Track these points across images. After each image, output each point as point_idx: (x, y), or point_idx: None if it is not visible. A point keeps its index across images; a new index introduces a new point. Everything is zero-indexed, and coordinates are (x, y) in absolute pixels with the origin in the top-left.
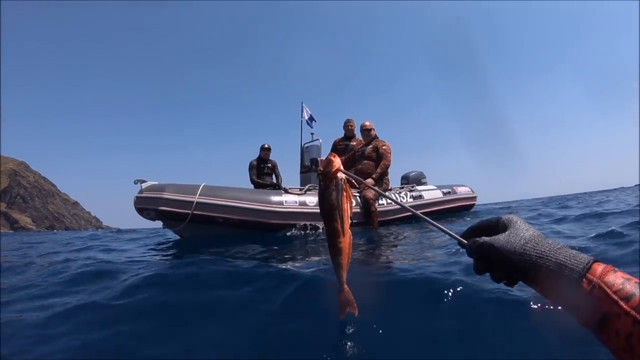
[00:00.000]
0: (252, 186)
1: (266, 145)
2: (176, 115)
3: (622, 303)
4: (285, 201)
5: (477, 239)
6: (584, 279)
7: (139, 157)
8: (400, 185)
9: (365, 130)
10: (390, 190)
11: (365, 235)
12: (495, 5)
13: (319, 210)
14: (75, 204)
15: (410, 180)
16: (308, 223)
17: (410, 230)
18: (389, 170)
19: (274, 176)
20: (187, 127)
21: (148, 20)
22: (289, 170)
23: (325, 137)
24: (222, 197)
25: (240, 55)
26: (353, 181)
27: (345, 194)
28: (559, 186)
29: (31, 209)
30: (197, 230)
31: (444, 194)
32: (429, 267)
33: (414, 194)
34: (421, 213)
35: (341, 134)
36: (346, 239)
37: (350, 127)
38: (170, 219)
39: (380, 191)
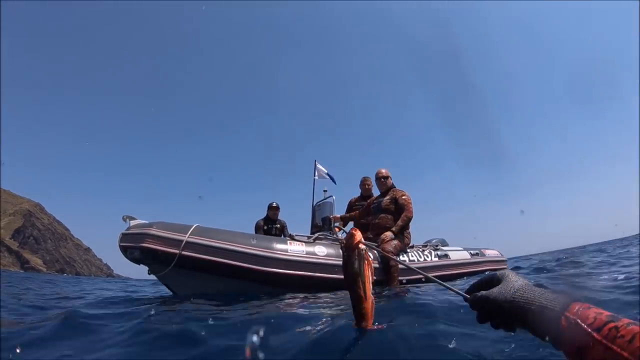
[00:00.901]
0: None
1: (274, 204)
2: (189, 175)
3: (594, 334)
4: (290, 249)
5: (477, 293)
6: (563, 317)
7: (155, 208)
8: (423, 243)
9: (381, 179)
10: (412, 247)
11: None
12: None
13: (329, 262)
14: (88, 249)
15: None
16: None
17: (429, 291)
18: (410, 223)
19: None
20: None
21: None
22: (299, 231)
23: (341, 197)
24: (216, 239)
25: (252, 109)
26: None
27: (366, 262)
28: (555, 240)
29: (43, 251)
30: (186, 280)
31: (472, 255)
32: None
33: (439, 252)
34: (447, 274)
35: (357, 192)
36: (369, 303)
37: (367, 187)
38: (155, 261)
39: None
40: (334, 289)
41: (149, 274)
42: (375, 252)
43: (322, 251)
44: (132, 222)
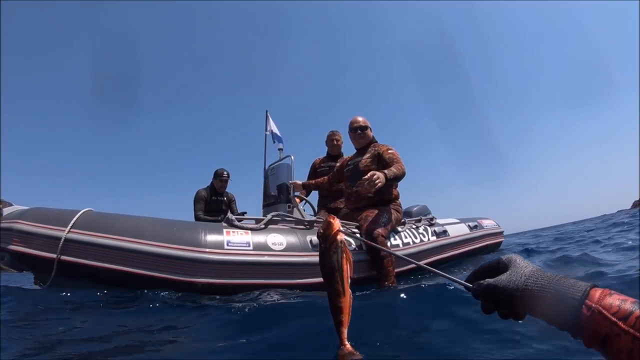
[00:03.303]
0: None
1: (225, 174)
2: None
3: (620, 323)
4: (230, 242)
5: (482, 281)
6: (584, 306)
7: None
8: (415, 219)
9: (357, 130)
10: (404, 223)
11: (372, 303)
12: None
13: (290, 259)
14: None
15: (414, 216)
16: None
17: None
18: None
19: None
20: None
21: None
22: (250, 206)
23: (304, 159)
24: (112, 233)
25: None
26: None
27: (344, 255)
28: (539, 217)
29: None
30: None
31: (471, 228)
32: None
33: (436, 229)
34: (449, 255)
35: (323, 152)
36: (346, 299)
37: (335, 142)
38: (32, 268)
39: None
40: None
41: (34, 283)
42: (357, 234)
43: (278, 242)
44: (7, 210)
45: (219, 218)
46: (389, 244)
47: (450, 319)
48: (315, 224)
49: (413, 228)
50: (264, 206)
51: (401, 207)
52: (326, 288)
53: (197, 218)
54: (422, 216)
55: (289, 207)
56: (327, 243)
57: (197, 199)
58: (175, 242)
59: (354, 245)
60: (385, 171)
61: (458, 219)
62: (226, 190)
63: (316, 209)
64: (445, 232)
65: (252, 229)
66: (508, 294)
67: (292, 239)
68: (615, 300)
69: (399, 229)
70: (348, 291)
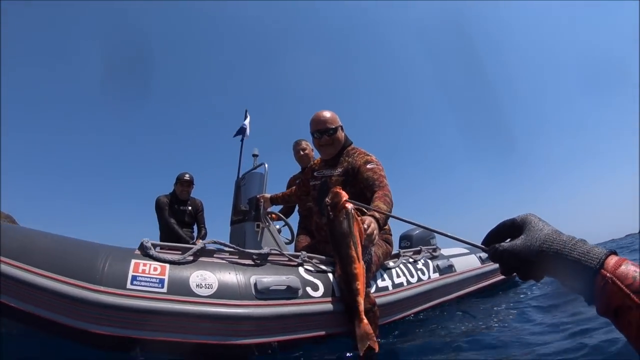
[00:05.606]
0: (160, 236)
1: (186, 177)
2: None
3: (633, 296)
4: (136, 278)
5: (497, 245)
6: (598, 275)
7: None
8: (414, 249)
9: (324, 134)
10: (398, 256)
11: None
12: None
13: (219, 310)
14: None
15: (414, 242)
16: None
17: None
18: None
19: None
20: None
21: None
22: (219, 222)
23: (283, 175)
24: None
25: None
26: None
27: (356, 222)
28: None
29: None
30: None
31: (482, 260)
32: None
33: (439, 263)
34: (456, 296)
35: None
36: (361, 265)
37: (302, 154)
38: None
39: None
40: None
41: None
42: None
43: (206, 283)
44: None
45: (190, 237)
46: (373, 287)
47: None
48: (269, 259)
49: (410, 263)
50: (232, 223)
51: (391, 236)
52: (336, 258)
53: (169, 229)
54: (422, 246)
55: (257, 226)
56: (335, 211)
57: (161, 206)
58: (64, 273)
59: (320, 291)
60: (376, 215)
61: (467, 249)
62: (192, 196)
63: (295, 232)
64: (451, 267)
65: (172, 262)
66: (524, 259)
67: (229, 278)
68: (630, 270)
69: (391, 263)
70: (362, 260)
